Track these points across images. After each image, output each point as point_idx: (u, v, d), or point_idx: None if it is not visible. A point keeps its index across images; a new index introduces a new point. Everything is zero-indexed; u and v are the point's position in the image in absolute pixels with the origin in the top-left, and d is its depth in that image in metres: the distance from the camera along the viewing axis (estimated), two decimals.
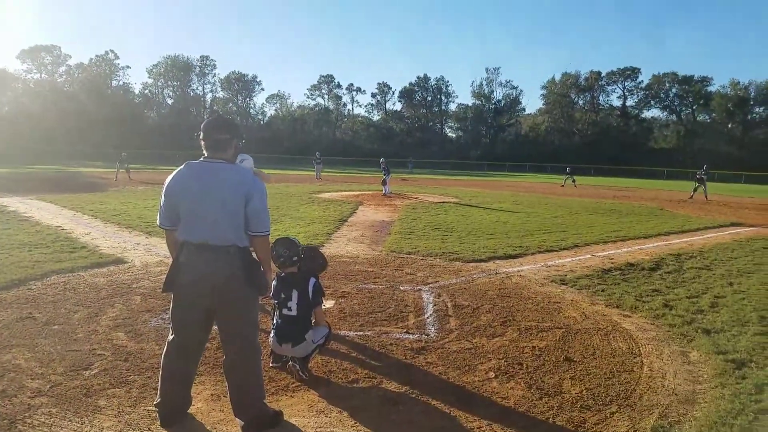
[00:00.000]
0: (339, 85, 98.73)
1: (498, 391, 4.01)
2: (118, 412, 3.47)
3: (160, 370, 3.41)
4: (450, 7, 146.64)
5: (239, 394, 3.36)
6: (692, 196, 26.13)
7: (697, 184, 26.53)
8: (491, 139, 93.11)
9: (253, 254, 3.37)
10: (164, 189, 3.28)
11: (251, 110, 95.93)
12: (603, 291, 6.94)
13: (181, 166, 3.29)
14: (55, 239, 9.45)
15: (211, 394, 3.79)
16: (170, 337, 3.38)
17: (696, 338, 5.20)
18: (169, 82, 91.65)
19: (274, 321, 4.25)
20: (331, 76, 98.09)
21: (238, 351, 3.34)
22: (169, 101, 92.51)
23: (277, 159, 64.53)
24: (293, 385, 4.00)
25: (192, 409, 3.52)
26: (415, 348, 4.79)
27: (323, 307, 4.46)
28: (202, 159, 3.31)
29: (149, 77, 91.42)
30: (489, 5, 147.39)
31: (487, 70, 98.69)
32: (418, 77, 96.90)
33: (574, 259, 9.10)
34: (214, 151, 3.29)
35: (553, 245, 10.23)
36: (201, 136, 3.31)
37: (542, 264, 8.60)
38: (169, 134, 73.18)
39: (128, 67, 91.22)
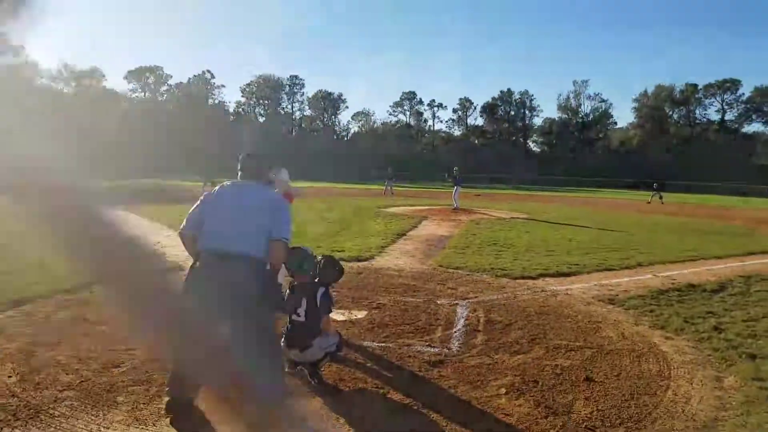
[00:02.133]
0: (421, 102, 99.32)
1: (504, 407, 3.95)
2: (133, 407, 3.74)
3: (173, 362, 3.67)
4: (534, 20, 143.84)
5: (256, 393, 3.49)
6: None
7: None
8: (579, 154, 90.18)
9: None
10: (202, 198, 3.81)
11: (336, 127, 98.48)
12: (651, 312, 6.60)
13: (223, 183, 3.85)
14: None
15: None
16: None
17: (737, 363, 4.86)
18: (261, 101, 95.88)
19: (286, 327, 4.42)
20: (413, 93, 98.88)
21: (257, 354, 3.50)
22: (261, 119, 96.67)
23: (359, 173, 65.83)
24: (301, 391, 4.13)
25: (201, 406, 3.70)
26: (432, 361, 4.79)
27: (348, 315, 4.55)
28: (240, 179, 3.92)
29: (242, 96, 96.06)
30: (577, 16, 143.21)
31: (574, 82, 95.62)
32: (501, 92, 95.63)
33: (632, 278, 8.68)
34: (249, 176, 3.86)
35: (614, 264, 9.79)
36: (239, 166, 3.88)
37: (595, 283, 8.27)
38: (260, 150, 76.15)
39: (223, 86, 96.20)
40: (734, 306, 6.99)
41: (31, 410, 3.64)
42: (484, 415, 3.84)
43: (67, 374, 4.25)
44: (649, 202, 32.90)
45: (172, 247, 10.34)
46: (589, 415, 3.84)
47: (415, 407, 3.91)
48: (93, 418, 3.58)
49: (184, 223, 3.73)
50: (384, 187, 34.21)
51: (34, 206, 4.29)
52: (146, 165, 61.10)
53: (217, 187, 3.83)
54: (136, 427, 3.50)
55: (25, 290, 6.61)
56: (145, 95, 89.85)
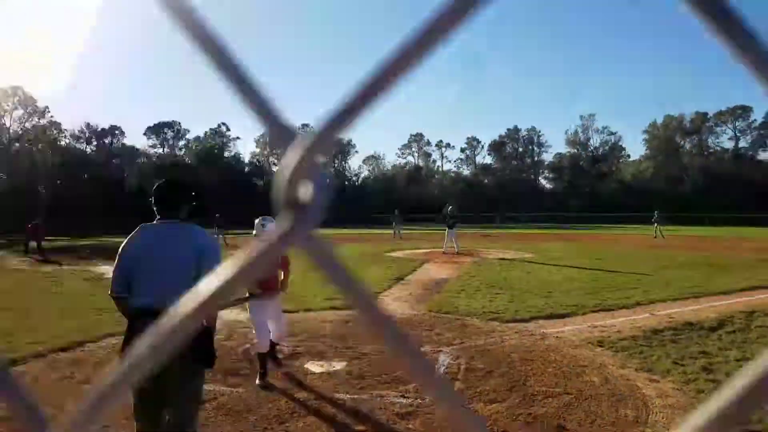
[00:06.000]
0: (428, 143, 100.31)
1: None
2: None
3: None
4: (536, 57, 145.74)
5: None
6: None
7: None
8: (591, 189, 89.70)
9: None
10: (120, 253, 3.23)
11: (346, 173, 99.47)
12: (640, 353, 6.41)
13: (136, 230, 3.29)
14: None
15: None
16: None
17: None
18: (275, 151, 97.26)
19: None
20: (421, 134, 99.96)
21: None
22: (275, 168, 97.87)
23: (369, 218, 66.08)
24: None
25: None
26: (402, 413, 4.68)
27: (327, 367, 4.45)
28: (156, 221, 3.32)
29: (257, 147, 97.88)
30: (578, 51, 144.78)
31: (581, 117, 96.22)
32: (508, 129, 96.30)
33: (628, 318, 8.48)
34: (168, 211, 3.31)
35: (612, 304, 9.55)
36: (153, 200, 3.31)
37: (589, 324, 8.09)
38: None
39: (238, 138, 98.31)
40: (731, 344, 6.77)
41: None
42: None
43: None
44: (655, 237, 32.32)
45: None
46: None
47: None
48: None
49: (112, 283, 3.27)
50: (393, 231, 33.77)
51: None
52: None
53: (137, 230, 3.27)
54: None
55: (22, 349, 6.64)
56: (164, 150, 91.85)
